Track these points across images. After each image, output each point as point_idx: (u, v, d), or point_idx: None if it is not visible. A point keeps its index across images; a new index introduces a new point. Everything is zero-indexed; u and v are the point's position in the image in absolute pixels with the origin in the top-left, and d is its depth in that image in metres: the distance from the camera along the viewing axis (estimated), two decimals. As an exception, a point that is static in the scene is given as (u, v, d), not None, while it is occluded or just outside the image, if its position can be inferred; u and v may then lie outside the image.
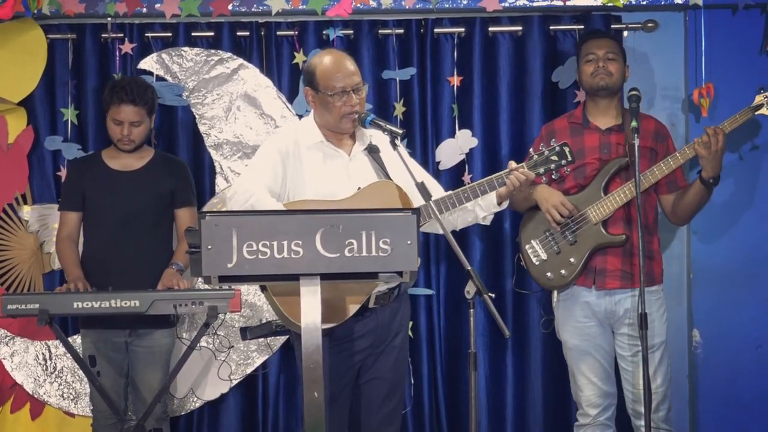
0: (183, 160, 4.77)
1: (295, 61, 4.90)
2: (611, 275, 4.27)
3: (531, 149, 3.89)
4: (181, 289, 4.24)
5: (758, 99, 4.28)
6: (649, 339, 4.12)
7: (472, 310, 3.36)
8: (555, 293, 4.38)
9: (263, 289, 3.64)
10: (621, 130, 4.33)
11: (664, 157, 4.27)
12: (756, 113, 4.27)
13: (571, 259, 4.26)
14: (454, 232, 3.77)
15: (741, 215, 4.94)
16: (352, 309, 3.61)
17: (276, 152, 3.71)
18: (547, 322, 4.57)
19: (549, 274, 4.31)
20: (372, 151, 3.77)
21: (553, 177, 3.87)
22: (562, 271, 4.28)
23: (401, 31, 4.92)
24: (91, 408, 4.51)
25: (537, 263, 4.34)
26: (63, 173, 4.81)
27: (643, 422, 4.07)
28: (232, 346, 4.87)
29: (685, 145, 4.36)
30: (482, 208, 3.86)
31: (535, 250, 4.35)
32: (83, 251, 4.55)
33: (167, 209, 4.53)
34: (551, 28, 4.92)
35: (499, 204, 3.84)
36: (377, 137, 3.79)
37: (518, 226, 4.74)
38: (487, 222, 3.97)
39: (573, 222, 4.26)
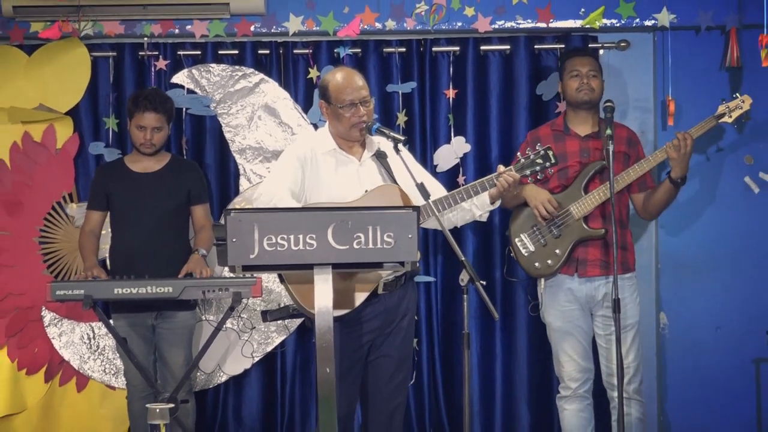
0: (195, 162, 4.86)
1: (309, 76, 5.05)
2: (591, 264, 4.40)
3: (518, 153, 4.00)
4: (204, 275, 4.37)
5: (720, 109, 4.45)
6: (623, 320, 4.24)
7: (465, 296, 3.51)
8: (542, 281, 4.48)
9: (281, 280, 3.74)
10: (598, 137, 4.45)
11: (636, 161, 4.41)
12: (719, 121, 4.45)
13: (557, 251, 4.40)
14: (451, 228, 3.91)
15: (704, 211, 5.07)
16: (361, 297, 3.69)
17: (295, 158, 3.83)
18: (534, 306, 4.63)
19: (537, 264, 4.43)
20: (380, 156, 3.84)
21: (538, 178, 4.02)
22: (549, 261, 4.41)
23: (403, 49, 5.03)
24: (126, 383, 4.64)
25: (526, 254, 4.46)
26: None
27: (616, 393, 4.21)
28: (254, 327, 5.03)
29: (657, 149, 4.46)
30: (478, 207, 3.95)
31: (524, 243, 4.46)
32: (111, 245, 4.67)
33: (184, 206, 4.65)
34: (536, 47, 5.03)
35: (492, 203, 3.94)
36: (385, 144, 3.87)
37: (507, 222, 4.74)
38: (484, 219, 4.09)
39: (557, 218, 4.38)
